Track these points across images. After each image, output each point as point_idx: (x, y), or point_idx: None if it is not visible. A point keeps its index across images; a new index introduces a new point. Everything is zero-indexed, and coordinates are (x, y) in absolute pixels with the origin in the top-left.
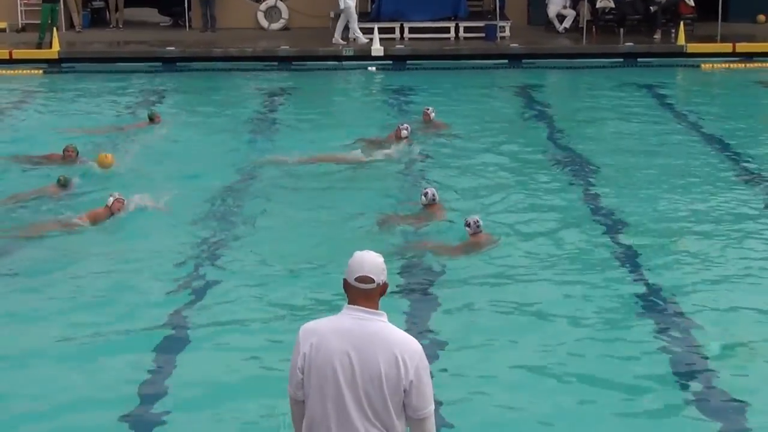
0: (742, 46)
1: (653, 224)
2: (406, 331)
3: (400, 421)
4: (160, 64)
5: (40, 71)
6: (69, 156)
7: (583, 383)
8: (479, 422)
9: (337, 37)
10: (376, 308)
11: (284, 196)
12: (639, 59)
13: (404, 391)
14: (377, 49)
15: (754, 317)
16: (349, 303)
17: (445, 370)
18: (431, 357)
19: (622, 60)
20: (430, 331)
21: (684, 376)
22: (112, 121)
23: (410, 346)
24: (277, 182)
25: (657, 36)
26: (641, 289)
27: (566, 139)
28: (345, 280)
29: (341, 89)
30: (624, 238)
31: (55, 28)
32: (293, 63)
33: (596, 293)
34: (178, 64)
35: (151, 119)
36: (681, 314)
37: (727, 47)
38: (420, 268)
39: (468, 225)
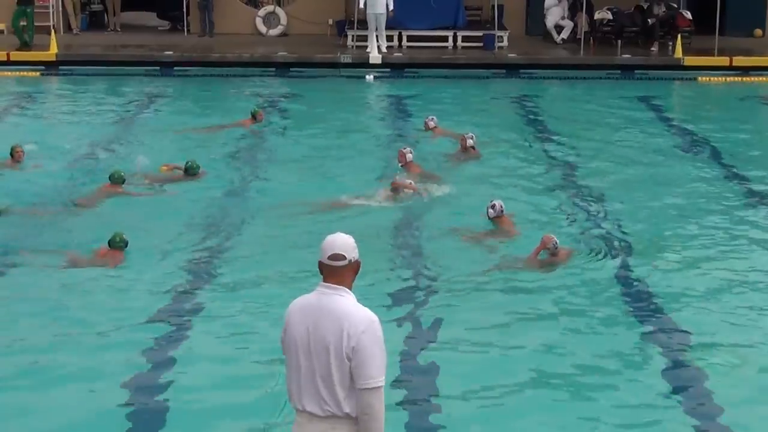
0: (739, 60)
1: (650, 236)
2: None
3: (348, 394)
4: (157, 68)
5: (38, 73)
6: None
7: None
8: None
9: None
10: (347, 286)
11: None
12: (636, 71)
13: (348, 359)
14: (375, 56)
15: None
16: (322, 281)
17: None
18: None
19: (619, 72)
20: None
21: (676, 384)
22: (209, 121)
23: (357, 316)
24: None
25: (654, 48)
26: (643, 303)
27: (563, 150)
28: (319, 261)
29: (339, 97)
30: (620, 251)
31: (53, 30)
32: (291, 69)
33: (597, 309)
34: (175, 68)
35: (254, 117)
36: (679, 329)
37: (723, 61)
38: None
39: (493, 207)
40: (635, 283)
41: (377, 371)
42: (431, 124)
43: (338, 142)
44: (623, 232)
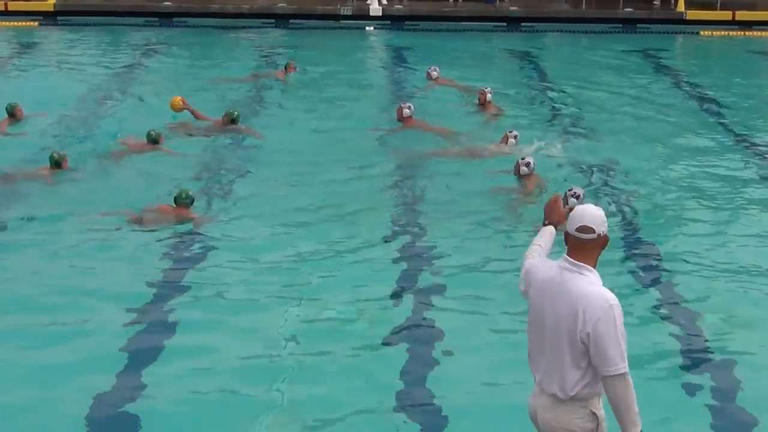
0: (742, 14)
1: (647, 189)
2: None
3: (579, 378)
4: (156, 19)
5: (36, 23)
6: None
7: None
8: None
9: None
10: (590, 262)
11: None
12: (638, 25)
13: (582, 343)
14: (375, 9)
15: (746, 287)
16: (566, 253)
17: None
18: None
19: (621, 26)
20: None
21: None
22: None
23: (595, 300)
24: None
25: (656, 2)
26: (636, 256)
27: (564, 104)
28: (566, 232)
29: (339, 49)
30: (619, 203)
31: None
32: (291, 21)
33: None
34: (174, 19)
35: (286, 68)
36: (675, 284)
37: (726, 15)
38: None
39: (576, 196)
40: (636, 240)
41: (619, 357)
42: (434, 74)
43: (340, 94)
44: (619, 183)
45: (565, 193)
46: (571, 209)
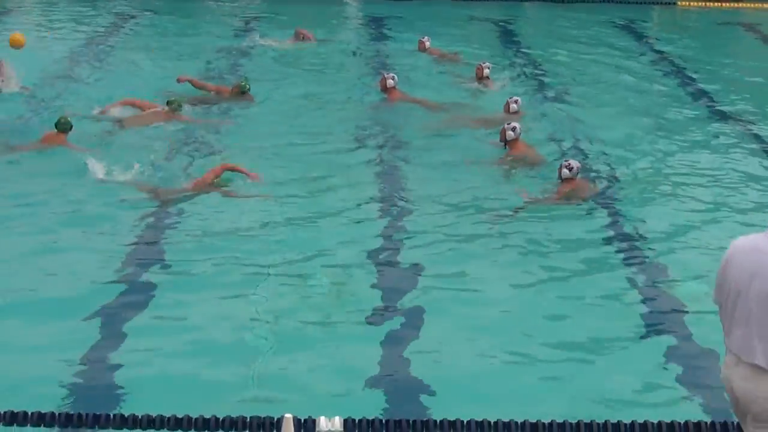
0: None
1: (625, 163)
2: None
3: None
4: None
5: None
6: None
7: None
8: None
9: None
10: None
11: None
12: None
13: None
14: None
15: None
16: None
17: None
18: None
19: None
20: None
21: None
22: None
23: None
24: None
25: None
26: (616, 228)
27: (541, 74)
28: None
29: (318, 18)
30: (598, 179)
31: None
32: None
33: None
34: None
35: (304, 37)
36: (656, 261)
37: None
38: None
39: (569, 168)
40: (615, 214)
41: None
42: (427, 44)
43: (321, 65)
44: (596, 157)
45: (560, 164)
46: (563, 180)
